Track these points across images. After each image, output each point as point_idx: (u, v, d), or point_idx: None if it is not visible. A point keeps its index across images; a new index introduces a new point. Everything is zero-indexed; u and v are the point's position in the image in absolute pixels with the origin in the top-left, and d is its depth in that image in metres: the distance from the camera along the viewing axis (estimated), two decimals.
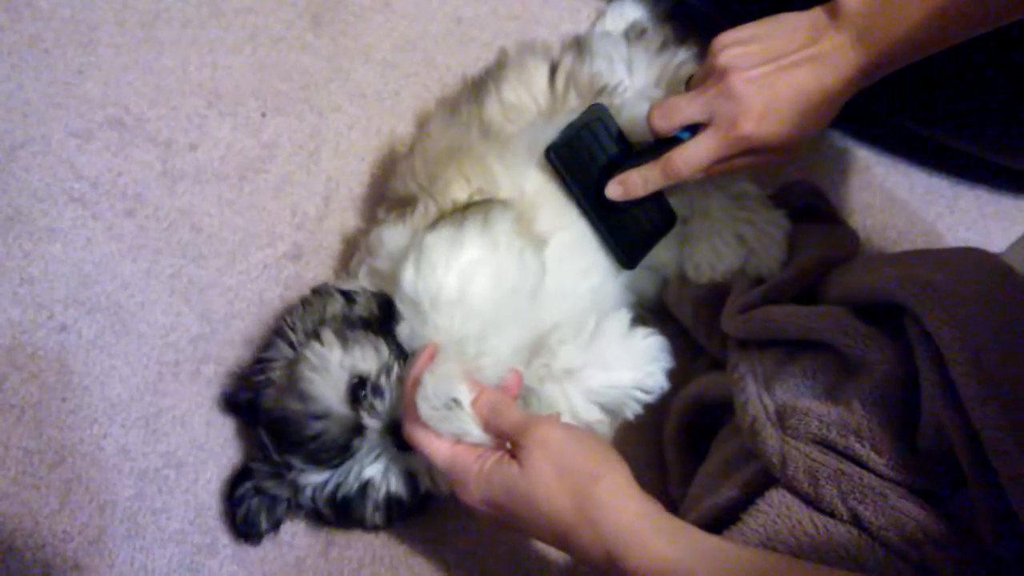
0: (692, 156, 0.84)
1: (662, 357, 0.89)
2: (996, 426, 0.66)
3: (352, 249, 1.06)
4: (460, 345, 0.79)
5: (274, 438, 0.87)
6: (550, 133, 0.92)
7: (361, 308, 0.91)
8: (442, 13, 1.23)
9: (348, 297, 0.92)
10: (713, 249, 0.97)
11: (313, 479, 0.86)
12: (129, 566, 0.94)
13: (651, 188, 0.88)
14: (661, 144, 0.87)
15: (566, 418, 0.85)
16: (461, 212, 0.86)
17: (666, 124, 0.85)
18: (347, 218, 1.11)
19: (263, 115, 1.15)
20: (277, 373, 0.89)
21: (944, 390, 0.71)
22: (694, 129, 0.85)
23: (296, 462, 0.86)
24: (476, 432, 0.76)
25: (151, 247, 1.06)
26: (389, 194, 1.02)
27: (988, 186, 1.23)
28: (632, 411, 0.89)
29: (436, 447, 0.76)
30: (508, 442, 0.75)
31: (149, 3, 1.18)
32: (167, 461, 0.98)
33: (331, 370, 0.85)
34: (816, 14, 0.81)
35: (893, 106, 1.14)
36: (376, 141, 1.15)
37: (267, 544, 0.95)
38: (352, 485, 0.86)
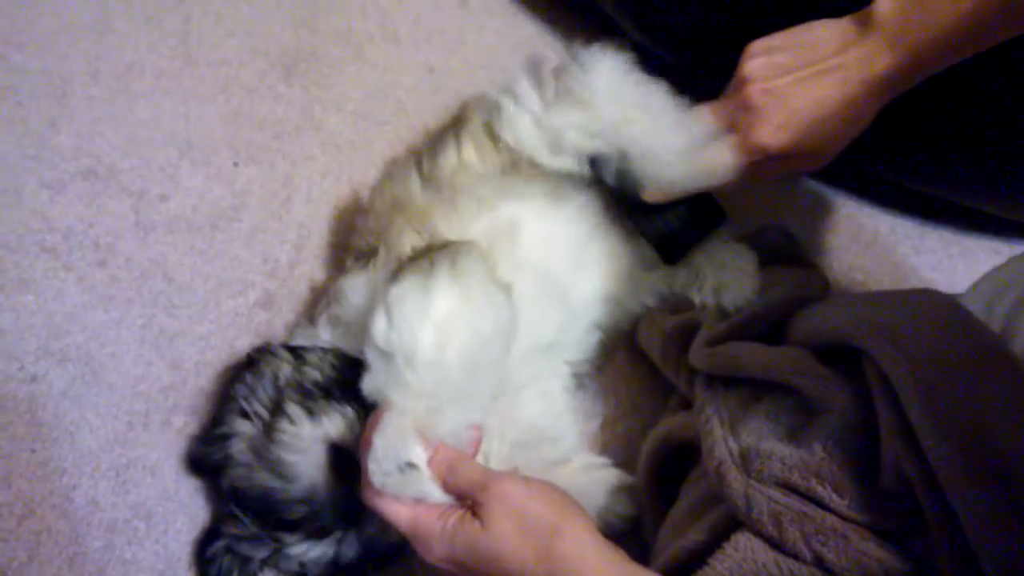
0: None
1: None
2: (952, 465, 0.66)
3: (313, 296, 1.07)
4: (419, 403, 0.78)
5: (258, 517, 0.87)
6: (497, 189, 0.93)
7: (312, 367, 0.90)
8: (413, 63, 1.25)
9: (296, 355, 0.91)
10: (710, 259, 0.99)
11: (311, 553, 0.86)
12: None
13: (683, 190, 0.89)
14: None
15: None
16: (427, 256, 0.85)
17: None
18: (319, 266, 1.12)
19: (235, 164, 1.16)
20: (239, 448, 0.88)
21: (902, 431, 0.71)
22: None
23: (288, 538, 0.86)
24: (435, 493, 0.75)
25: (123, 297, 1.07)
26: (354, 246, 1.02)
27: (953, 227, 1.25)
28: None
29: (395, 511, 0.75)
30: (468, 499, 0.74)
31: (122, 55, 1.20)
32: (136, 512, 0.98)
33: (307, 448, 0.84)
34: (846, 23, 0.81)
35: (860, 152, 1.16)
36: (348, 189, 1.17)
37: None
38: (354, 548, 0.86)
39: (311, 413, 0.86)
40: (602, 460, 1.00)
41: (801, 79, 0.81)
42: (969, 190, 1.15)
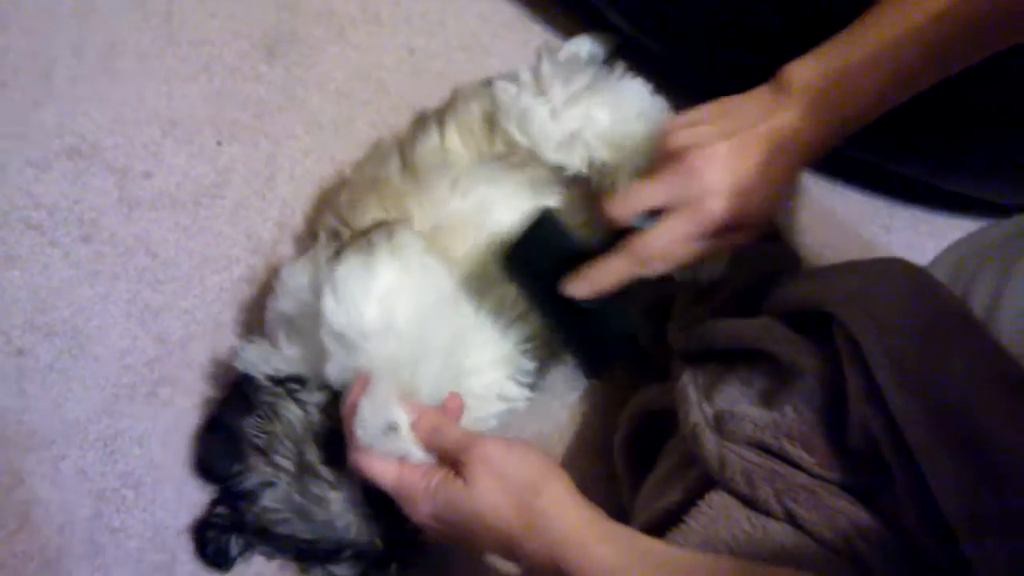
0: (661, 239, 0.79)
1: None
2: (918, 425, 0.69)
3: None
4: (394, 370, 0.80)
5: (299, 556, 0.92)
6: (472, 171, 0.95)
7: (321, 412, 0.91)
8: (395, 44, 1.27)
9: (296, 398, 0.91)
10: None
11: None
12: None
13: (616, 279, 0.81)
14: (615, 239, 0.81)
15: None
16: (364, 236, 0.87)
17: (624, 211, 0.80)
18: (302, 242, 1.13)
19: (218, 143, 1.17)
20: (264, 490, 0.90)
21: (869, 392, 0.74)
22: (653, 217, 0.80)
23: (336, 569, 0.90)
24: (418, 454, 0.77)
25: (108, 272, 1.08)
26: (322, 223, 1.02)
27: (923, 206, 1.27)
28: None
29: (381, 470, 0.78)
30: (451, 460, 0.76)
31: (106, 35, 1.21)
32: (125, 481, 1.00)
33: (348, 507, 0.88)
34: (762, 91, 0.80)
35: None
36: (331, 168, 1.18)
37: None
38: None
39: (340, 466, 0.87)
40: None
41: (737, 145, 0.77)
42: (939, 169, 1.18)
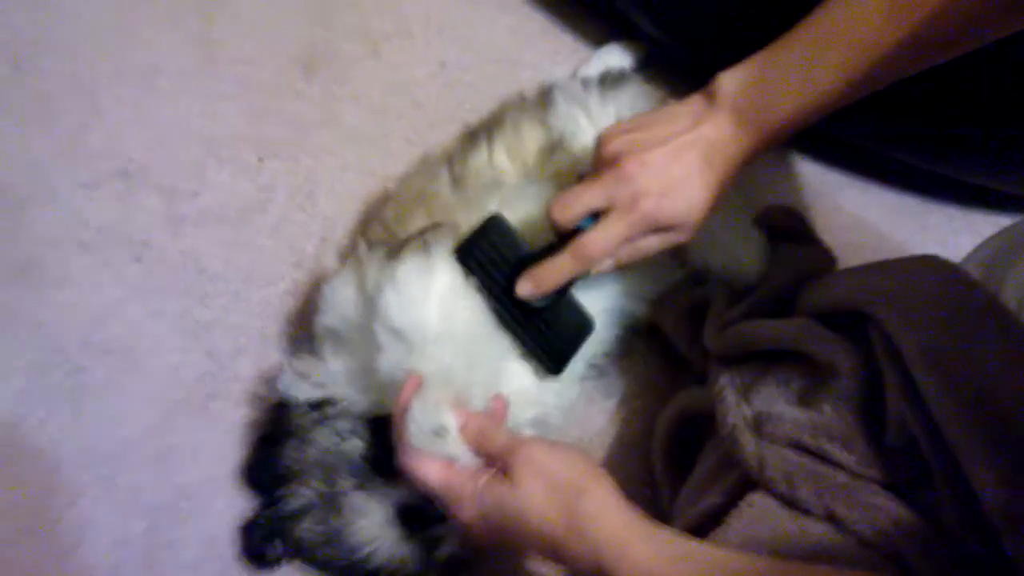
0: (601, 239, 0.84)
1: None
2: (955, 420, 0.70)
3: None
4: (447, 374, 0.82)
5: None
6: (522, 188, 0.97)
7: (351, 436, 0.92)
8: (427, 58, 1.29)
9: (323, 412, 0.93)
10: (724, 250, 1.02)
11: None
12: None
13: (563, 278, 0.86)
14: (563, 240, 0.86)
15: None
16: (420, 236, 0.89)
17: (566, 215, 0.84)
18: (336, 259, 1.15)
19: (260, 160, 1.20)
20: (304, 513, 0.92)
21: (906, 389, 0.75)
22: (594, 219, 0.85)
23: None
24: (466, 457, 0.79)
25: (158, 290, 1.12)
26: (368, 235, 1.04)
27: (956, 203, 1.28)
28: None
29: (429, 470, 0.79)
30: (497, 463, 0.78)
31: (146, 57, 1.24)
32: (180, 494, 1.03)
33: (381, 533, 0.89)
34: (694, 99, 0.84)
35: (858, 130, 1.20)
36: (369, 181, 1.21)
37: (278, 572, 0.99)
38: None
39: (371, 492, 0.90)
40: None
41: (669, 152, 0.82)
42: (971, 165, 1.19)
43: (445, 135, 1.20)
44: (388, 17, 1.31)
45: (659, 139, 0.82)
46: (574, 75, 1.26)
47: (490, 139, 1.05)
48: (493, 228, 0.90)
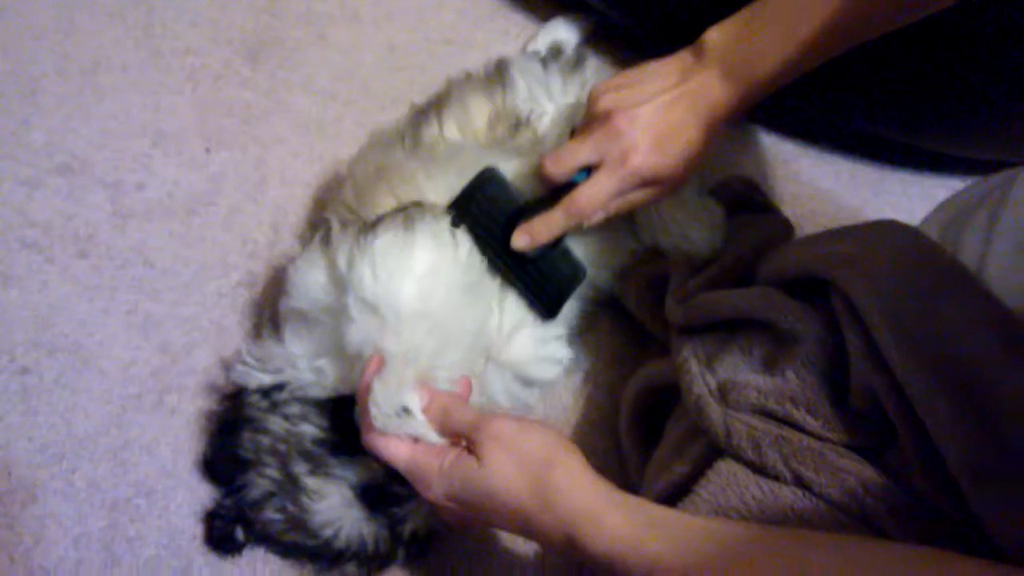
0: (591, 193, 0.87)
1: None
2: (918, 379, 0.70)
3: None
4: (413, 353, 0.81)
5: (313, 561, 0.94)
6: (478, 157, 0.95)
7: (302, 422, 0.91)
8: (375, 42, 1.28)
9: (272, 401, 0.92)
10: (676, 235, 1.01)
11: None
12: None
13: (556, 231, 0.90)
14: (556, 193, 0.89)
15: (500, 398, 0.91)
16: (402, 213, 0.87)
17: (559, 169, 0.88)
18: (297, 244, 1.14)
19: (207, 151, 1.18)
20: (264, 502, 0.91)
21: (869, 351, 0.75)
22: (586, 173, 0.88)
23: (349, 568, 0.92)
24: (432, 436, 0.78)
25: (106, 286, 1.09)
26: (324, 221, 1.01)
27: (911, 169, 1.29)
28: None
29: (395, 450, 0.78)
30: (464, 440, 0.77)
31: (88, 52, 1.21)
32: (137, 490, 1.00)
33: (340, 514, 0.88)
34: (683, 55, 0.87)
35: (813, 100, 1.20)
36: (320, 168, 1.19)
37: (242, 562, 0.98)
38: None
39: (325, 474, 0.88)
40: None
41: (658, 107, 0.85)
42: (923, 130, 1.20)
43: (396, 118, 1.18)
44: (334, 1, 1.29)
45: (648, 95, 0.85)
46: (523, 51, 1.25)
47: (439, 114, 1.04)
48: (488, 181, 0.94)
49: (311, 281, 0.89)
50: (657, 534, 0.67)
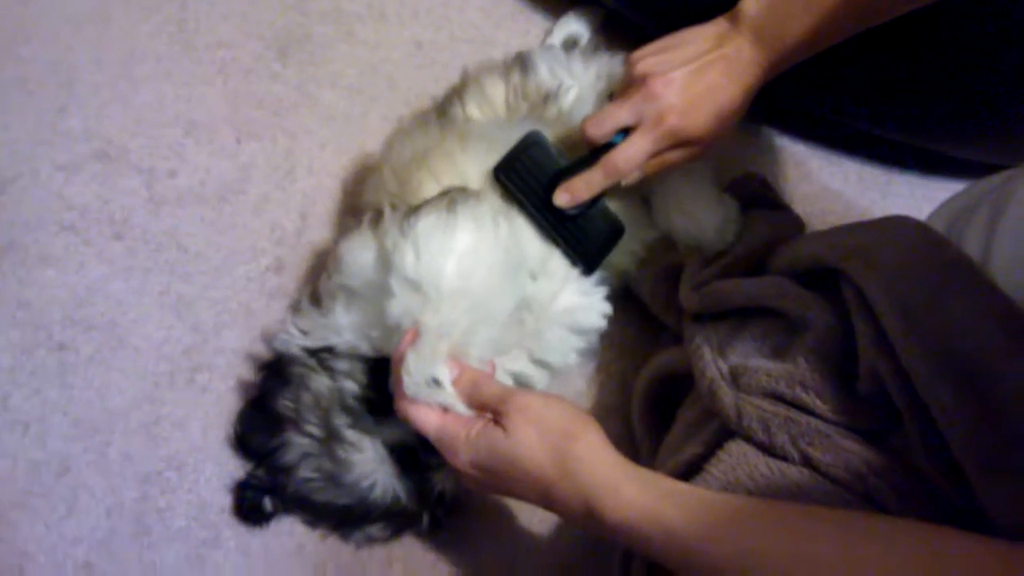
0: (628, 153, 0.91)
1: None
2: (923, 365, 0.73)
3: (320, 266, 1.13)
4: (447, 328, 0.84)
5: (336, 524, 0.99)
6: (508, 132, 0.99)
7: (347, 379, 0.94)
8: (402, 39, 1.31)
9: (322, 362, 0.95)
10: (692, 218, 1.04)
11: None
12: (138, 563, 1.00)
13: (595, 189, 0.94)
14: (597, 153, 0.93)
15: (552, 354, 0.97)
16: (446, 197, 0.91)
17: (599, 131, 0.92)
18: (324, 232, 1.18)
19: (238, 141, 1.22)
20: (299, 461, 0.94)
21: (877, 338, 0.79)
22: (625, 134, 0.92)
23: (373, 529, 0.97)
24: (460, 407, 0.82)
25: (140, 267, 1.13)
26: (361, 206, 1.07)
27: (918, 171, 1.33)
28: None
29: (425, 417, 0.82)
30: (490, 412, 0.81)
31: (124, 43, 1.25)
32: (168, 464, 1.04)
33: (376, 468, 0.93)
34: (719, 21, 0.91)
35: (824, 102, 1.23)
36: (346, 159, 1.23)
37: (267, 534, 1.02)
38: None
39: (365, 429, 0.93)
40: None
41: (693, 70, 0.88)
42: (931, 133, 1.23)
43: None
44: (362, 0, 1.33)
45: (684, 59, 0.89)
46: (542, 45, 1.30)
47: (461, 98, 1.09)
48: (532, 144, 0.98)
49: (361, 260, 0.93)
50: (672, 503, 0.71)
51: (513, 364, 0.96)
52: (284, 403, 0.95)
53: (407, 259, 0.85)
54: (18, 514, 1.00)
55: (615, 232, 1.01)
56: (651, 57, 0.91)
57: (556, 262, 0.98)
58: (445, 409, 0.82)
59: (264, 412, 0.97)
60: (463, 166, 0.98)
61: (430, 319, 0.84)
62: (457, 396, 0.82)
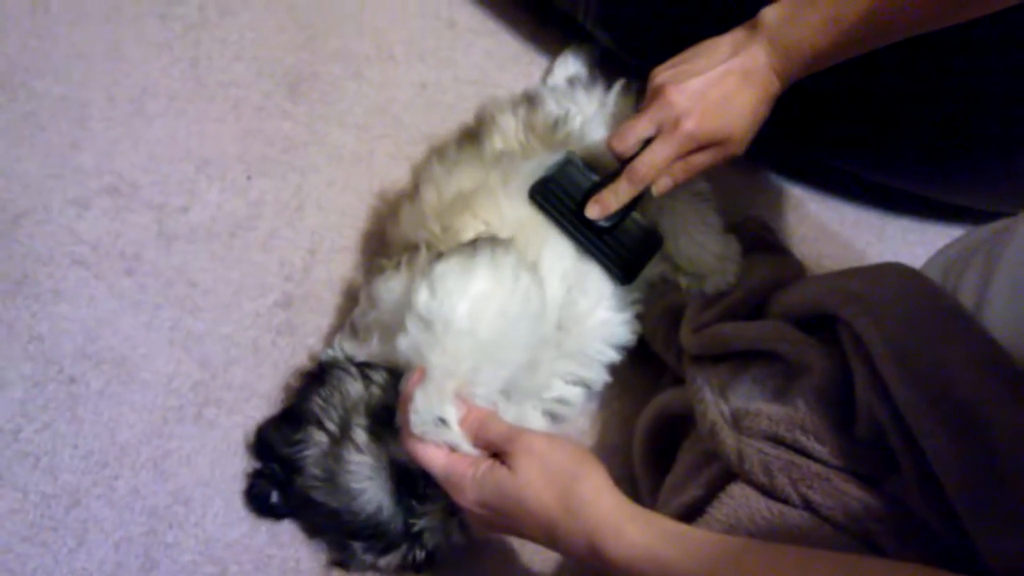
0: (648, 160, 0.94)
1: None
2: (920, 411, 0.75)
3: (344, 299, 1.18)
4: (453, 368, 0.86)
5: (330, 530, 1.00)
6: (535, 172, 1.03)
7: (379, 389, 0.97)
8: (408, 80, 1.34)
9: (364, 374, 0.98)
10: (696, 243, 1.07)
11: (381, 560, 0.97)
12: None
13: (623, 198, 0.98)
14: (624, 165, 0.97)
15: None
16: (470, 244, 0.94)
17: (623, 144, 0.95)
18: (332, 268, 1.20)
19: (248, 177, 1.24)
20: (312, 459, 0.96)
21: (874, 383, 0.81)
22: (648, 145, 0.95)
23: (355, 545, 0.97)
24: (466, 446, 0.83)
25: (150, 302, 1.15)
26: (393, 241, 1.10)
27: (911, 216, 1.36)
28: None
29: (432, 456, 0.83)
30: (496, 451, 0.82)
31: (137, 80, 1.28)
32: (176, 498, 1.06)
33: (373, 476, 0.94)
34: (736, 31, 0.93)
35: (821, 148, 1.26)
36: (354, 197, 1.25)
37: (272, 571, 1.03)
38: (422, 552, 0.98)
39: (377, 437, 0.94)
40: None
41: (709, 79, 0.91)
42: (925, 179, 1.26)
43: (426, 152, 1.25)
44: (370, 41, 1.36)
45: (700, 69, 0.92)
46: (543, 84, 1.34)
47: (485, 134, 1.14)
48: (565, 164, 1.04)
49: (393, 298, 0.97)
50: (672, 544, 0.72)
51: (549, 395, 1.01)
52: (315, 400, 0.98)
53: (421, 297, 0.88)
54: (27, 547, 1.02)
55: (652, 241, 1.05)
56: (669, 69, 0.94)
57: (592, 280, 1.02)
58: (451, 448, 0.84)
59: (292, 412, 1.00)
60: (501, 203, 1.02)
61: (437, 358, 0.86)
62: (464, 435, 0.83)
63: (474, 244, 0.94)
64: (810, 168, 1.34)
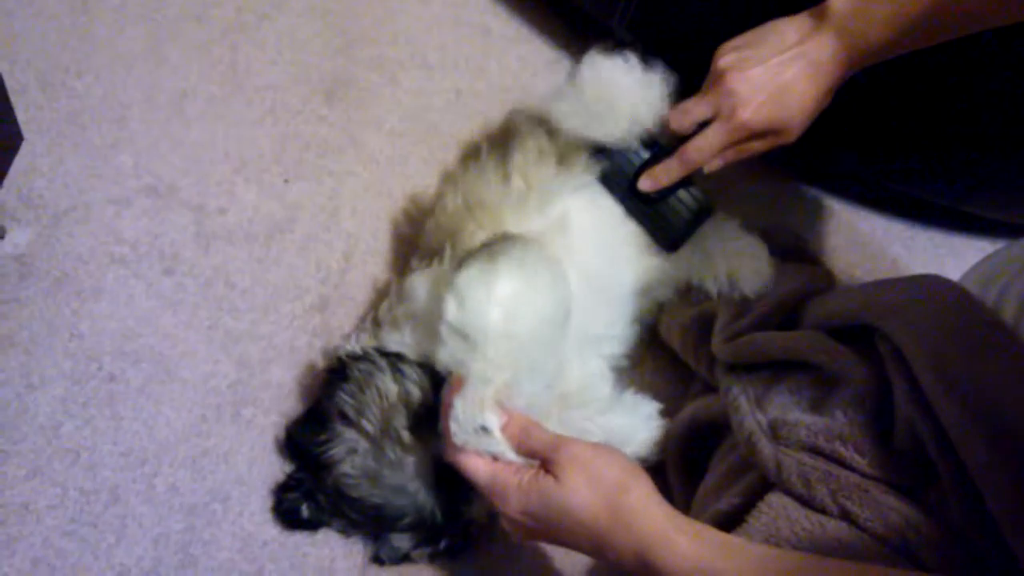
0: (700, 144, 0.96)
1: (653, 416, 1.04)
2: (961, 424, 0.76)
3: (376, 297, 1.18)
4: (493, 374, 0.85)
5: (363, 519, 0.99)
6: (557, 187, 1.05)
7: (414, 385, 0.96)
8: (443, 87, 1.36)
9: (392, 364, 0.98)
10: (728, 240, 1.10)
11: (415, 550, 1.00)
12: None
13: (674, 176, 1.01)
14: (680, 142, 0.99)
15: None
16: (489, 246, 0.93)
17: (681, 124, 0.98)
18: (367, 271, 1.21)
19: (286, 181, 1.25)
20: (345, 455, 0.97)
21: (914, 395, 0.82)
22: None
23: (394, 537, 0.99)
24: (510, 454, 0.83)
25: (189, 302, 1.16)
26: (421, 246, 1.12)
27: (941, 228, 1.36)
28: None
29: (476, 466, 0.83)
30: (540, 460, 0.82)
31: (176, 83, 1.29)
32: (214, 496, 1.07)
33: (419, 473, 0.95)
34: (802, 17, 0.92)
35: (854, 161, 1.27)
36: (389, 201, 1.26)
37: (309, 570, 1.04)
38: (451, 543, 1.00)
39: (421, 438, 0.95)
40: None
41: (770, 67, 0.91)
42: (955, 192, 1.26)
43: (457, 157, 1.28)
44: (405, 49, 1.37)
45: (764, 56, 0.92)
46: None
47: (505, 156, 1.12)
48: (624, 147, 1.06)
49: (425, 293, 0.99)
50: (726, 557, 0.72)
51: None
52: (342, 397, 0.97)
53: (450, 310, 0.88)
54: (67, 542, 1.03)
55: (701, 213, 1.07)
56: (732, 53, 0.94)
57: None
58: (494, 456, 0.84)
59: (318, 410, 1.00)
60: (506, 222, 1.03)
61: (476, 365, 0.85)
62: (506, 443, 0.83)
63: (490, 248, 0.93)
64: (841, 179, 1.35)
